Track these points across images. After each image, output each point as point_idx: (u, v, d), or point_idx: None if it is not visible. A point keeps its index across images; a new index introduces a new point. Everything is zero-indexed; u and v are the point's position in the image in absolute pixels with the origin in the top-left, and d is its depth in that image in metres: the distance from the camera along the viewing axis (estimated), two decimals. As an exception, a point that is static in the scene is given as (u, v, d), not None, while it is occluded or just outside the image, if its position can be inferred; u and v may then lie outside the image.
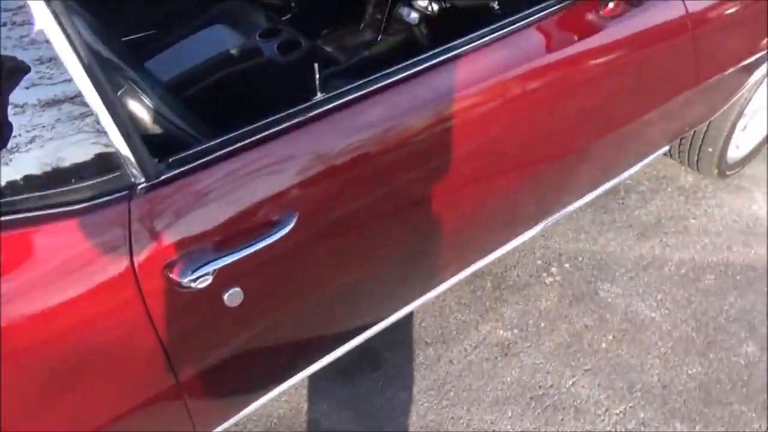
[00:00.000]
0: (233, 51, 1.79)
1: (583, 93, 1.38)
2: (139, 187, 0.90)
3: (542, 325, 1.90)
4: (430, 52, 1.20)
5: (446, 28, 2.19)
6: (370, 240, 1.19)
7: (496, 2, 1.80)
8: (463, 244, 1.47)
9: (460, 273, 1.57)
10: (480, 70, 1.23)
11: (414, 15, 2.17)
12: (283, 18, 2.58)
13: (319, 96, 1.11)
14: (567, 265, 2.07)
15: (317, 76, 1.18)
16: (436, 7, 2.13)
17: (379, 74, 1.15)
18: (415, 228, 1.27)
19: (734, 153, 2.23)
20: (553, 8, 1.30)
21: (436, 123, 1.19)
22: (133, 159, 0.88)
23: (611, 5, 1.35)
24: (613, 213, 2.23)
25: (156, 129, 1.13)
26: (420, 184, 1.22)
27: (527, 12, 1.29)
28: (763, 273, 2.01)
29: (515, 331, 1.89)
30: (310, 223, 1.04)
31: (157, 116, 1.14)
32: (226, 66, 1.78)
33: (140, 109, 1.13)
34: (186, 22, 2.32)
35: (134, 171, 0.89)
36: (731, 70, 1.67)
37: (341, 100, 1.10)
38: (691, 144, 2.16)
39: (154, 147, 1.10)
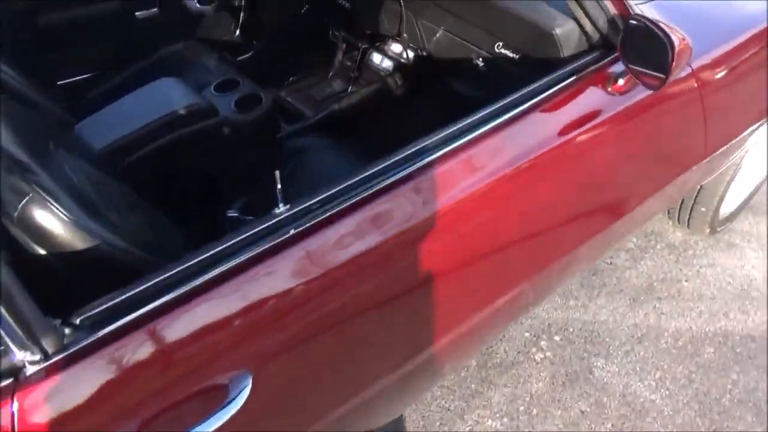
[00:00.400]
0: (183, 111, 1.53)
1: (593, 178, 1.18)
2: (30, 370, 0.64)
3: (534, 412, 1.69)
4: (409, 150, 0.97)
5: (423, 78, 1.98)
6: (351, 379, 0.95)
7: (480, 58, 1.60)
8: (459, 351, 1.25)
9: (453, 372, 1.36)
10: (474, 168, 1.01)
11: (387, 63, 1.96)
12: (243, 56, 2.34)
13: (282, 210, 0.87)
14: (557, 338, 1.87)
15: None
16: (411, 54, 1.92)
17: (355, 179, 0.92)
18: (408, 353, 1.04)
19: (723, 208, 2.09)
20: (558, 86, 1.10)
21: (424, 233, 0.96)
22: (17, 329, 0.62)
23: (621, 82, 1.15)
24: (602, 275, 2.05)
25: (71, 254, 0.87)
26: (410, 303, 0.99)
27: (530, 90, 1.08)
28: (763, 344, 1.86)
29: (505, 420, 1.68)
30: (270, 382, 0.80)
31: (75, 235, 0.87)
32: (175, 130, 1.52)
33: (48, 224, 0.86)
34: (134, 62, 2.06)
35: (21, 347, 0.63)
36: (737, 139, 1.51)
37: (309, 222, 0.86)
38: (682, 204, 2.00)
39: (67, 287, 0.84)
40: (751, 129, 1.55)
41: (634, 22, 1.10)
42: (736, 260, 2.11)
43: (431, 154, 0.96)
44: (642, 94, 1.19)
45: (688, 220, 2.05)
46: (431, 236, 0.97)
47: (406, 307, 0.99)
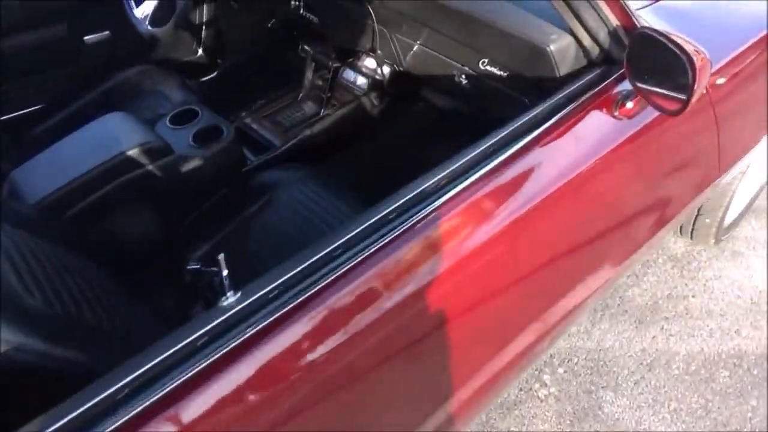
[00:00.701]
0: (132, 152, 1.33)
1: (607, 214, 1.02)
2: None
3: (542, 458, 1.53)
4: (390, 206, 0.78)
5: (401, 95, 1.80)
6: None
7: (463, 75, 1.42)
8: (468, 413, 1.08)
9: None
10: (473, 221, 0.83)
11: (362, 80, 1.77)
12: (207, 77, 2.15)
13: (231, 301, 0.68)
14: (561, 370, 1.70)
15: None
16: (387, 70, 1.74)
17: (326, 250, 0.73)
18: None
19: (727, 217, 1.94)
20: (560, 115, 0.92)
21: (423, 301, 0.78)
22: None
23: (629, 104, 0.98)
24: (604, 296, 1.89)
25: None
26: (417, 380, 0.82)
27: (528, 120, 0.91)
28: (781, 364, 1.71)
29: (511, 469, 1.51)
30: None
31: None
32: (124, 174, 1.32)
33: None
34: (85, 92, 1.86)
35: None
36: (748, 153, 1.35)
37: (269, 317, 0.67)
38: (686, 215, 1.85)
39: None
40: (763, 139, 1.39)
41: (642, 34, 0.93)
42: (742, 270, 1.96)
43: (418, 212, 0.77)
44: (652, 115, 1.03)
45: (692, 232, 1.90)
46: (431, 301, 0.79)
47: (410, 389, 0.81)
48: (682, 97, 0.88)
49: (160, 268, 1.35)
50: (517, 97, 1.26)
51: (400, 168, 1.72)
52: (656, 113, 1.03)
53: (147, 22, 1.73)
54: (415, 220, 0.76)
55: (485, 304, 0.91)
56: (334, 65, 1.75)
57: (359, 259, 0.71)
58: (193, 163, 1.43)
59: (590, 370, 1.70)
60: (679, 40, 0.88)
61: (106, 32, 1.94)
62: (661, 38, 0.89)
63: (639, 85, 0.95)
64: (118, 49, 1.96)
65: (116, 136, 1.38)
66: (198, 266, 1.34)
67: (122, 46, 1.96)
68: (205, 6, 2.06)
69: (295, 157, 1.63)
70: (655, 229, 1.16)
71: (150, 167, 1.36)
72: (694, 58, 0.85)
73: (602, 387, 1.66)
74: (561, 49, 1.06)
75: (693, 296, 1.88)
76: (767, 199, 2.12)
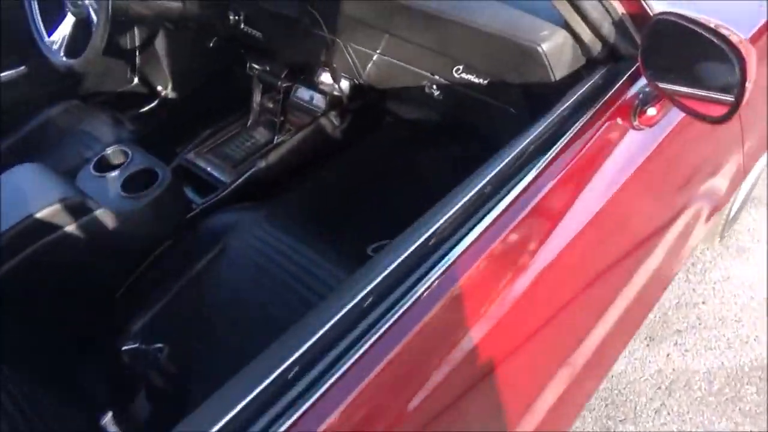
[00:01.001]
0: (43, 213, 1.07)
1: (639, 245, 0.81)
2: None
3: None
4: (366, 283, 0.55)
5: (364, 111, 1.57)
6: None
7: (435, 85, 1.19)
8: None
9: None
10: (480, 293, 0.61)
11: (318, 99, 1.53)
12: (148, 107, 1.88)
13: None
14: (573, 405, 1.49)
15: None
16: (345, 84, 1.50)
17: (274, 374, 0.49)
18: None
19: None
20: (569, 134, 0.70)
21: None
22: None
23: (652, 111, 0.77)
24: (608, 311, 1.69)
25: None
26: None
27: (521, 148, 0.68)
28: (809, 372, 1.53)
29: None
30: None
31: None
32: (35, 241, 1.06)
33: None
34: (2, 136, 1.58)
35: None
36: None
37: None
38: (689, 215, 1.66)
39: None
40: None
41: (660, 21, 0.72)
42: (751, 267, 1.78)
43: (401, 300, 0.54)
44: (676, 119, 0.81)
45: (695, 232, 1.71)
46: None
47: None
48: (728, 98, 0.66)
49: (91, 353, 1.09)
50: (502, 107, 1.04)
51: (369, 195, 1.49)
52: (679, 116, 0.82)
53: (62, 53, 1.46)
54: (400, 312, 0.52)
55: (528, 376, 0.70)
56: (284, 84, 1.51)
57: (326, 385, 0.47)
58: (124, 217, 1.17)
59: (604, 401, 1.49)
60: (713, 25, 0.67)
61: (22, 67, 1.67)
62: (690, 25, 0.68)
63: (663, 86, 0.73)
64: (39, 86, 1.69)
65: (23, 194, 1.11)
66: (136, 345, 1.09)
67: (43, 81, 1.69)
68: (136, 29, 1.81)
69: (248, 193, 1.39)
70: (691, 245, 0.96)
71: (68, 229, 1.09)
72: (741, 48, 0.64)
73: (620, 420, 1.45)
74: (555, 48, 0.84)
75: (703, 302, 1.69)
76: (767, 188, 1.96)
